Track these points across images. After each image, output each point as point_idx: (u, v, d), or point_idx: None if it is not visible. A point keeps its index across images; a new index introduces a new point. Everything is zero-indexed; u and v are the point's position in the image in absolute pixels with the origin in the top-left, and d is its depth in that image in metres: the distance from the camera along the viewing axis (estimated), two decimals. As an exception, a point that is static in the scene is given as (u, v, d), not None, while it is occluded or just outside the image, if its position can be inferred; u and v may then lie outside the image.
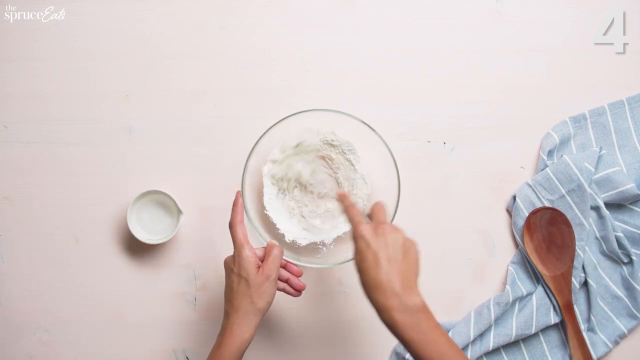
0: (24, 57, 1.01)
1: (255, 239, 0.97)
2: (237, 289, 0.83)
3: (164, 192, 0.96)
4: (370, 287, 0.74)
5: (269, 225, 0.96)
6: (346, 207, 0.82)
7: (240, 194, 0.89)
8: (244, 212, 0.89)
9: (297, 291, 0.89)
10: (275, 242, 0.88)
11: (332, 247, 0.96)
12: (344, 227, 0.97)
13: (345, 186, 0.98)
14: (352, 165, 0.98)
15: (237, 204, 0.87)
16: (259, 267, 0.84)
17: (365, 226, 0.77)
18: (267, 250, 0.86)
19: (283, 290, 0.89)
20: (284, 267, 0.89)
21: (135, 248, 1.00)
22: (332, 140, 0.97)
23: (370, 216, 0.81)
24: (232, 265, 0.84)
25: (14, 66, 1.01)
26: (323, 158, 0.99)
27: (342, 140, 0.97)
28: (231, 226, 0.86)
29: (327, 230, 0.98)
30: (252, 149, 0.92)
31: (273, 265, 0.84)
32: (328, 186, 0.99)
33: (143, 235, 0.97)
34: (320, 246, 0.96)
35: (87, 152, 1.01)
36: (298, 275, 0.89)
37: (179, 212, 0.96)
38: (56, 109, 1.01)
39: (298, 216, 0.99)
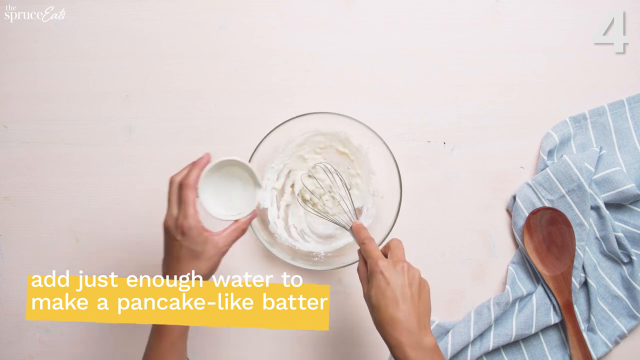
0: (24, 57, 1.01)
1: (252, 238, 0.98)
2: (183, 260, 0.77)
3: (240, 161, 0.81)
4: (386, 323, 0.75)
5: (264, 225, 0.97)
6: (362, 240, 0.81)
7: (209, 156, 0.80)
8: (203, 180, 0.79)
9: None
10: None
11: (329, 254, 0.96)
12: (343, 240, 0.97)
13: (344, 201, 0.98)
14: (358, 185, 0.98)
15: (198, 164, 0.79)
16: (206, 236, 0.77)
17: (385, 262, 0.77)
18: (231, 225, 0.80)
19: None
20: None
21: (135, 248, 1.00)
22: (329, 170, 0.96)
23: (385, 250, 0.80)
24: (176, 234, 0.77)
25: (14, 66, 1.01)
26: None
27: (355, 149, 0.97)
28: (183, 186, 0.77)
29: (324, 242, 0.98)
30: (251, 158, 0.92)
31: (228, 238, 0.79)
32: (329, 205, 0.98)
33: (220, 211, 0.82)
34: (315, 253, 0.97)
35: (87, 152, 1.01)
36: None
37: (256, 185, 0.83)
38: (56, 109, 1.01)
39: (297, 229, 0.99)
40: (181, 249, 0.77)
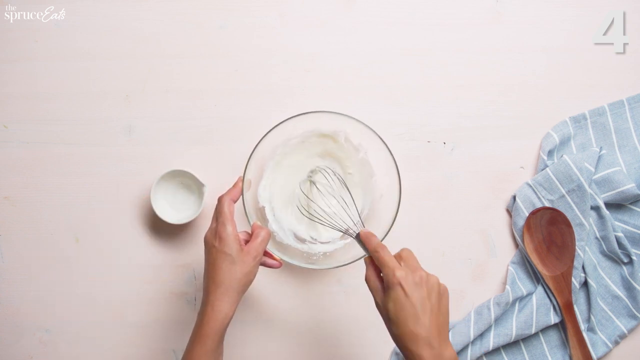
0: (24, 57, 1.01)
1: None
2: (220, 265, 0.82)
3: (185, 170, 0.96)
4: (406, 338, 0.72)
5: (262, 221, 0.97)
6: (375, 248, 0.77)
7: (240, 180, 0.90)
8: (241, 197, 0.89)
9: (277, 261, 0.90)
10: (259, 224, 0.87)
11: (328, 254, 0.96)
12: (342, 240, 0.97)
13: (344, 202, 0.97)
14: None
15: (236, 185, 0.88)
16: (241, 244, 0.83)
17: (402, 273, 0.73)
18: (253, 231, 0.86)
19: (263, 263, 0.89)
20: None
21: (135, 248, 1.00)
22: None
23: (397, 260, 0.76)
24: (214, 241, 0.83)
25: (14, 66, 1.01)
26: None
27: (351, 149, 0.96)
28: (221, 199, 0.85)
29: (322, 245, 0.98)
30: (249, 158, 0.92)
31: (260, 246, 0.84)
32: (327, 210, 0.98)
33: (172, 215, 0.98)
34: (314, 253, 0.97)
35: (87, 152, 1.01)
36: (276, 267, 0.90)
37: (202, 186, 0.96)
38: (56, 109, 1.01)
39: (292, 230, 0.99)
40: (218, 254, 0.82)
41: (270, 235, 0.86)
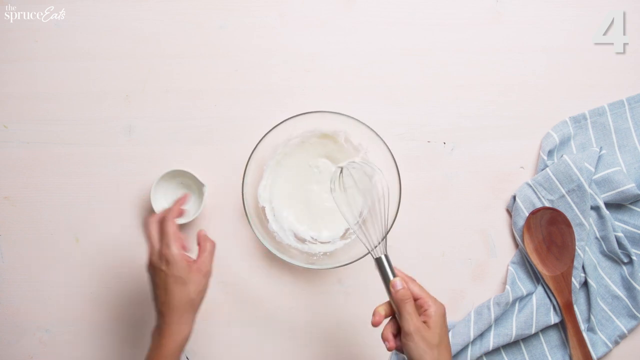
0: (24, 57, 1.01)
1: (252, 238, 0.98)
2: (172, 289, 0.81)
3: (185, 170, 0.96)
4: None
5: (263, 222, 0.97)
6: (403, 298, 0.77)
7: (187, 197, 0.91)
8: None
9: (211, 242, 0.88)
10: (205, 231, 0.86)
11: (328, 254, 0.96)
12: (342, 241, 0.97)
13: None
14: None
15: (178, 203, 0.87)
16: (189, 263, 0.82)
17: (421, 329, 0.76)
18: (199, 242, 0.85)
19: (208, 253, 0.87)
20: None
21: (136, 248, 1.00)
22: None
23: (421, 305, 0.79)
24: (161, 265, 0.81)
25: (14, 66, 1.01)
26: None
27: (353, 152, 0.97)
28: (163, 220, 0.83)
29: (322, 245, 0.98)
30: (249, 158, 0.92)
31: (208, 261, 0.84)
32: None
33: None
34: (314, 253, 0.97)
35: (87, 152, 1.01)
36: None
37: (202, 186, 0.96)
38: (56, 109, 1.01)
39: (291, 229, 0.99)
40: (167, 278, 0.81)
41: (215, 246, 0.85)
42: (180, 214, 0.88)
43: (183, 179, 0.98)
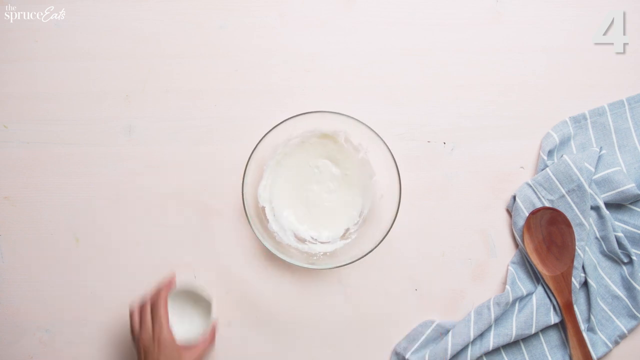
0: (24, 57, 1.01)
1: (252, 238, 0.98)
2: None
3: (190, 290, 0.95)
4: None
5: (264, 223, 0.97)
6: None
7: (175, 275, 0.95)
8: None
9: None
10: (216, 325, 0.94)
11: (328, 254, 0.96)
12: (342, 241, 0.97)
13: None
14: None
15: (168, 281, 0.92)
16: (178, 351, 0.87)
17: None
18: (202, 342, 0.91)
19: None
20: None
21: (136, 248, 1.00)
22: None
23: None
24: (153, 347, 0.87)
25: (14, 66, 1.01)
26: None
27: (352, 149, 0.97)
28: (156, 302, 0.89)
29: (322, 245, 0.98)
30: (250, 157, 0.92)
31: (198, 356, 0.90)
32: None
33: (181, 334, 0.93)
34: (314, 253, 0.97)
35: (87, 152, 1.01)
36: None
37: (209, 305, 0.94)
38: (56, 109, 1.01)
39: (292, 230, 0.99)
40: (159, 358, 0.86)
41: (213, 347, 0.93)
42: (166, 297, 0.91)
43: (189, 294, 0.95)
